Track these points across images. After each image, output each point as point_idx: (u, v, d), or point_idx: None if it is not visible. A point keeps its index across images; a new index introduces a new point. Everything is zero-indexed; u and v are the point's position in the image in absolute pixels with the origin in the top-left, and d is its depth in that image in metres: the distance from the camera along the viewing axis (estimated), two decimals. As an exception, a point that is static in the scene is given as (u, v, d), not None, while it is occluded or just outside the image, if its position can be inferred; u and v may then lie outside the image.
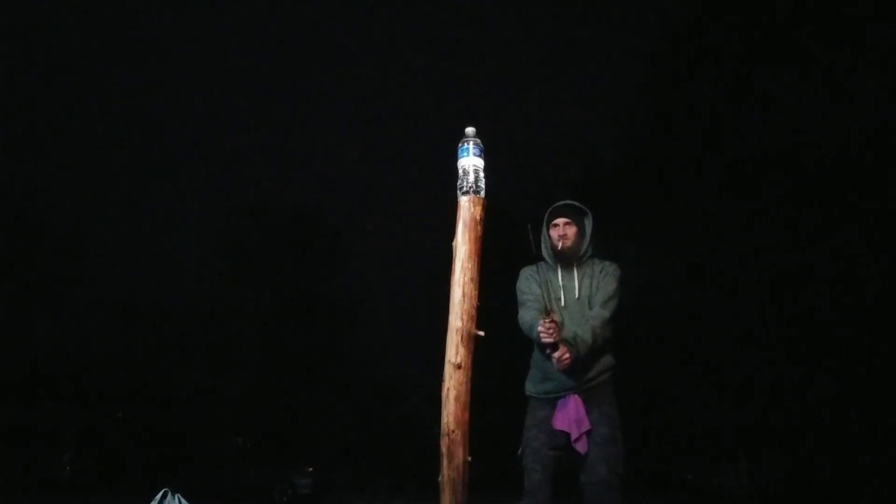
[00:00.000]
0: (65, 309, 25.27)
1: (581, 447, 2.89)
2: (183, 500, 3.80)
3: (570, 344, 2.88)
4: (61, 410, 21.65)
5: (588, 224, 3.22)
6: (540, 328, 2.84)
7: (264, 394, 25.50)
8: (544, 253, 3.22)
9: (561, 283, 3.13)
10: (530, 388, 3.13)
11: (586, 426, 2.89)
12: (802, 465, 16.89)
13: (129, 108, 51.00)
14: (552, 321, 2.83)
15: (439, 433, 2.74)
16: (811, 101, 15.22)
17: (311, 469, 16.30)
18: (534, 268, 3.19)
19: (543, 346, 2.92)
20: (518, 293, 3.17)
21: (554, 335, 2.83)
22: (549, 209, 3.23)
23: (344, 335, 27.90)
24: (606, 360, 3.05)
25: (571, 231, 3.15)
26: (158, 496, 3.78)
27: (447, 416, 2.73)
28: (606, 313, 3.03)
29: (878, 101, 14.53)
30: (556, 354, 2.84)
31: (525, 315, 3.06)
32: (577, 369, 2.94)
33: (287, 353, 26.10)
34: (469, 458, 2.73)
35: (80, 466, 21.29)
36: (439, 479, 2.71)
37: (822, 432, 15.69)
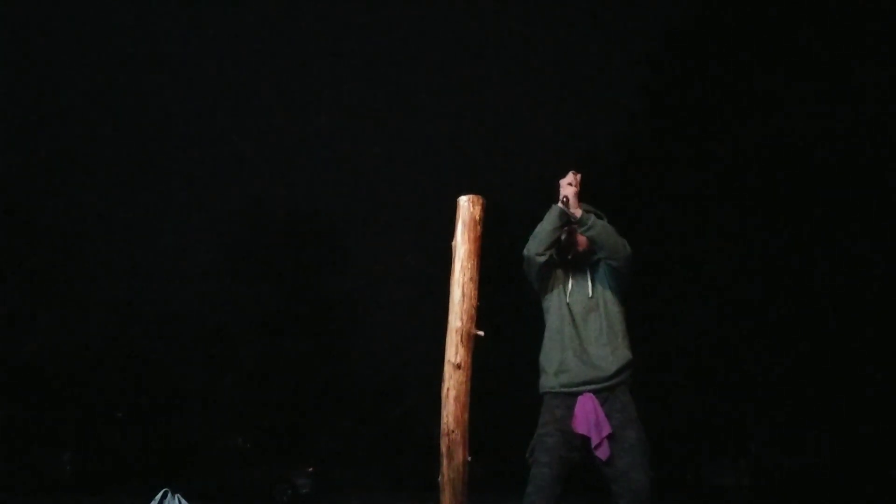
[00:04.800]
0: (65, 309, 25.25)
1: (602, 453, 2.72)
2: (183, 500, 3.80)
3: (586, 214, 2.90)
4: (61, 410, 21.64)
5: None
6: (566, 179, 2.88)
7: (264, 394, 25.47)
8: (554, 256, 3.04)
9: (571, 286, 2.95)
10: (545, 383, 2.89)
11: (607, 430, 2.73)
12: (803, 465, 16.87)
13: (129, 108, 51.04)
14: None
15: (439, 433, 2.74)
16: (811, 100, 15.21)
17: (311, 469, 16.28)
18: None
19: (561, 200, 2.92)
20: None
21: (575, 185, 2.86)
22: None
23: (344, 335, 27.86)
24: (624, 353, 2.84)
25: (583, 237, 2.93)
26: (158, 496, 3.78)
27: (447, 416, 2.72)
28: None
29: (879, 101, 14.52)
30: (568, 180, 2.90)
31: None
32: (594, 359, 2.82)
33: (287, 353, 26.08)
34: (469, 458, 2.73)
35: (80, 466, 21.29)
36: (439, 479, 2.71)
37: (822, 432, 15.68)
